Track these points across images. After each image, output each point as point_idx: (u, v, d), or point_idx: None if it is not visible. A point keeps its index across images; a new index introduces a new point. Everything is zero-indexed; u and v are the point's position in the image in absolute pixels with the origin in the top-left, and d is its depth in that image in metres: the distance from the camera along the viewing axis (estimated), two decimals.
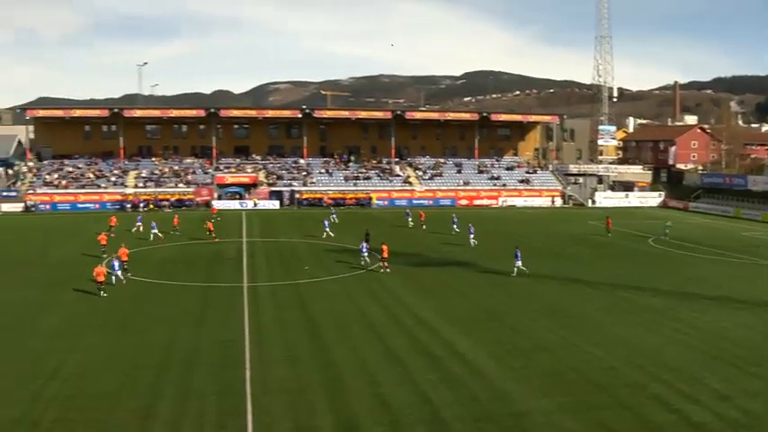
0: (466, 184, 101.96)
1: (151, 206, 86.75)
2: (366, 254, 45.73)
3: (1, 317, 31.27)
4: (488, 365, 24.78)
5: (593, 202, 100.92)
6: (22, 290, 37.45)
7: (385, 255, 43.36)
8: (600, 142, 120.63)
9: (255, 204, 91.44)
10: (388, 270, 42.79)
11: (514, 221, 77.03)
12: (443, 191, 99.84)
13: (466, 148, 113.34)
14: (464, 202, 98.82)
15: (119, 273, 39.41)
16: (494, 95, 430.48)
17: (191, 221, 67.95)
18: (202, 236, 57.97)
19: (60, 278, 40.17)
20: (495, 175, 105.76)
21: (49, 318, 31.35)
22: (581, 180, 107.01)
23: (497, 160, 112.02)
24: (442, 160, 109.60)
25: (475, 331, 29.31)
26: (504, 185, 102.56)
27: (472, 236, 56.12)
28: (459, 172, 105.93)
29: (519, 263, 42.31)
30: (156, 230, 57.92)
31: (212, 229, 58.77)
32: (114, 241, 50.90)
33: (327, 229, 60.19)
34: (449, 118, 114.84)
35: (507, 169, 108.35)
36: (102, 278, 36.41)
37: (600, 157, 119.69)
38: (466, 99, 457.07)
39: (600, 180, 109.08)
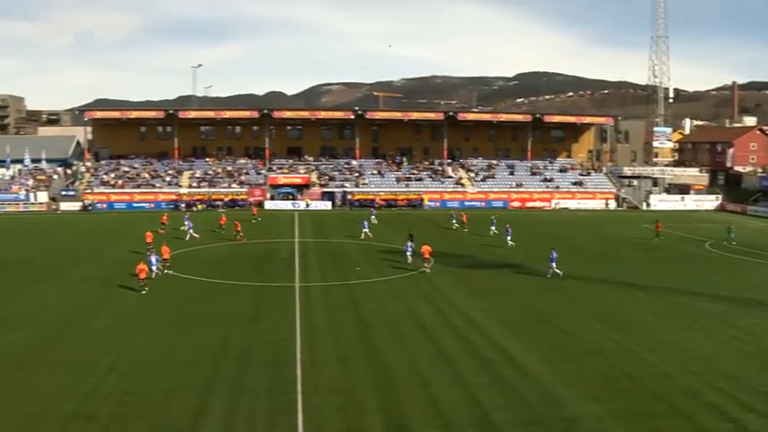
0: (518, 185, 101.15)
1: (198, 206, 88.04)
2: (410, 252, 46.89)
3: (59, 313, 32.19)
4: (539, 369, 24.57)
5: (648, 205, 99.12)
6: (79, 287, 38.46)
7: (426, 255, 43.92)
8: (655, 144, 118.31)
9: (308, 205, 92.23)
10: (428, 270, 43.28)
11: (567, 224, 76.15)
12: (495, 193, 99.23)
13: (518, 149, 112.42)
14: (516, 204, 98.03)
15: (154, 267, 40.52)
16: (547, 97, 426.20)
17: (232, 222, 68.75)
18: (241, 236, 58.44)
19: (116, 275, 41.06)
20: (547, 177, 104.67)
21: (106, 314, 32.13)
22: (635, 182, 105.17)
23: (550, 162, 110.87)
24: (494, 162, 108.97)
25: (525, 334, 29.10)
26: (557, 188, 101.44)
27: (509, 237, 56.19)
28: (511, 174, 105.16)
29: (554, 264, 42.34)
30: (191, 230, 58.74)
31: (239, 229, 58.98)
32: (163, 239, 51.97)
33: (366, 230, 60.75)
34: (501, 119, 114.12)
35: (560, 171, 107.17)
36: (143, 275, 37.42)
37: (655, 159, 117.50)
38: (518, 100, 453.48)
39: (655, 183, 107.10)
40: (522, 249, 53.80)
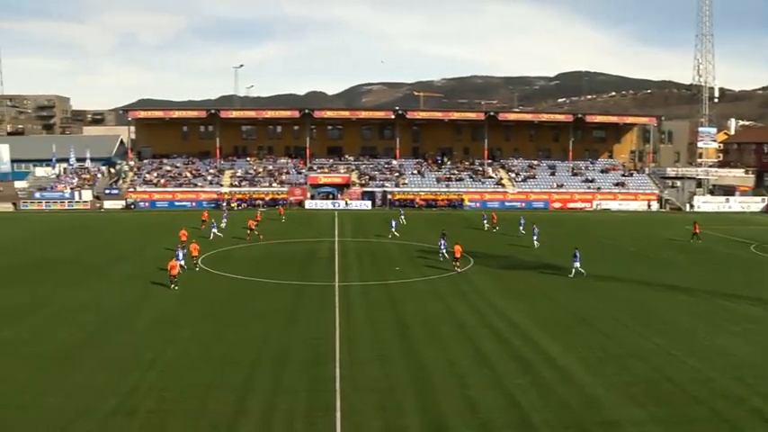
0: (559, 186, 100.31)
1: (233, 205, 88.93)
2: (444, 250, 48.07)
3: (103, 311, 32.72)
4: (579, 371, 24.34)
5: (692, 206, 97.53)
6: (122, 285, 39.09)
7: (457, 255, 44.24)
8: (699, 144, 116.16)
9: (347, 204, 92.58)
10: (458, 270, 43.67)
11: (608, 225, 75.35)
12: (536, 193, 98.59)
13: (560, 149, 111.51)
14: (557, 204, 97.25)
15: (182, 262, 41.52)
16: (588, 96, 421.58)
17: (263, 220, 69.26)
18: (275, 235, 58.66)
19: (157, 274, 41.58)
20: (589, 177, 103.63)
21: (147, 312, 32.60)
22: (679, 184, 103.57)
23: (592, 162, 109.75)
24: (535, 162, 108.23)
25: (565, 335, 28.85)
26: (599, 188, 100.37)
27: (535, 237, 56.35)
28: (552, 174, 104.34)
29: (577, 264, 42.33)
30: (215, 230, 59.24)
31: (253, 227, 59.24)
32: (195, 237, 52.65)
33: (393, 229, 61.56)
34: (542, 119, 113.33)
35: (602, 172, 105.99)
36: (175, 272, 38.02)
37: (699, 160, 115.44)
38: (560, 100, 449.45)
39: (699, 184, 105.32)
40: (561, 250, 53.33)
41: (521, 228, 63.63)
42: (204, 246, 53.65)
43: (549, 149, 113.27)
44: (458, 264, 44.13)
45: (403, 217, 72.72)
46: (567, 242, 56.65)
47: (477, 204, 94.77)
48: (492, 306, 34.42)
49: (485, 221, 69.12)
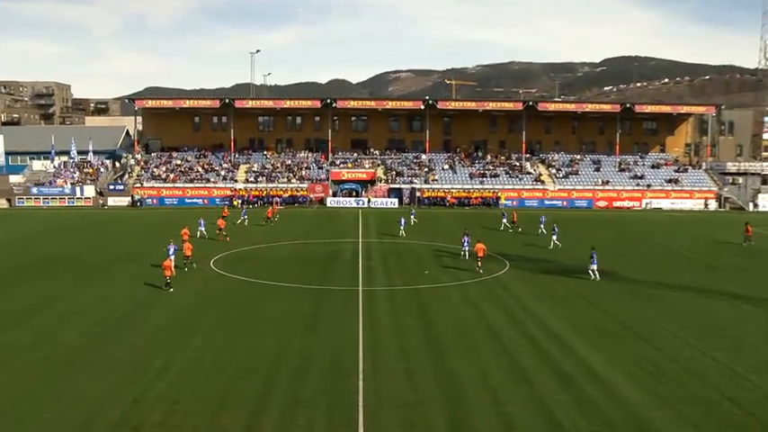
0: (605, 183, 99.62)
1: (235, 203, 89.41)
2: (467, 248, 49.45)
3: (107, 314, 33.07)
4: (627, 388, 24.00)
5: (756, 205, 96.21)
6: (128, 286, 39.53)
7: (480, 254, 45.14)
8: (765, 136, 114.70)
9: (369, 203, 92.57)
10: (481, 270, 44.51)
11: (659, 226, 74.72)
12: (579, 191, 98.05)
13: (605, 143, 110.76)
14: (602, 203, 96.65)
15: (172, 256, 43.06)
16: (638, 84, 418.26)
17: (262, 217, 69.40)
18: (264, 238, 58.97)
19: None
20: (638, 173, 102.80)
21: (155, 316, 32.90)
22: (740, 180, 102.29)
23: (641, 157, 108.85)
24: (578, 157, 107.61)
25: (610, 347, 28.52)
26: (649, 186, 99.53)
27: (555, 237, 56.81)
28: (597, 170, 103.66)
29: (594, 266, 42.87)
30: (203, 228, 59.98)
31: (222, 226, 59.81)
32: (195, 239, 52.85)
33: (403, 228, 62.71)
34: (587, 110, 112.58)
35: (653, 167, 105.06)
36: (169, 272, 38.63)
37: (765, 154, 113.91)
38: (606, 88, 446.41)
39: (764, 180, 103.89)
40: (606, 253, 52.97)
41: (541, 226, 63.80)
42: (217, 247, 54.05)
43: (594, 143, 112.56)
44: (480, 264, 44.97)
45: (414, 215, 73.82)
46: (612, 245, 56.21)
47: (514, 203, 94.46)
48: (529, 313, 34.24)
49: (504, 220, 69.29)
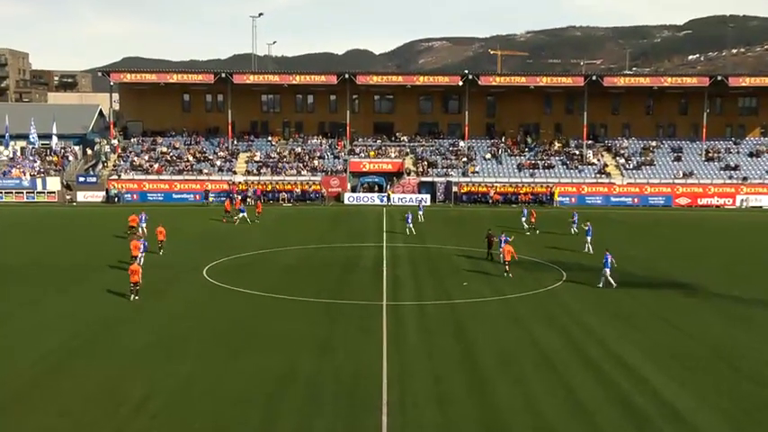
0: (687, 176, 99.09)
1: (209, 198, 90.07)
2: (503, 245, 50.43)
3: (72, 335, 33.15)
4: (716, 429, 23.86)
5: None
6: (99, 300, 39.81)
7: (508, 257, 47.02)
8: None
9: (389, 199, 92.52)
10: (510, 275, 46.32)
11: (758, 229, 74.22)
12: (654, 185, 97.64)
13: (689, 125, 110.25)
14: (683, 200, 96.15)
15: (143, 254, 47.35)
16: (733, 51, 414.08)
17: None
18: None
19: (147, 285, 42.13)
20: (731, 163, 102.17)
21: (134, 335, 33.05)
22: None
23: (736, 143, 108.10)
24: (653, 143, 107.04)
25: (696, 379, 28.26)
26: (746, 179, 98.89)
27: (589, 238, 57.35)
28: (677, 159, 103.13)
29: (608, 270, 43.90)
30: (144, 225, 61.74)
31: (134, 225, 61.62)
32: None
33: (410, 225, 65.11)
34: (666, 84, 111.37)
35: (750, 156, 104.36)
36: (136, 278, 39.28)
37: None
38: (691, 57, 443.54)
39: None
40: (689, 262, 52.79)
41: (574, 226, 63.75)
42: (210, 252, 54.38)
43: (674, 125, 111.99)
44: (508, 269, 46.92)
45: (422, 213, 75.16)
46: (697, 253, 55.82)
47: (573, 200, 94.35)
48: (590, 334, 34.14)
49: (523, 219, 69.67)
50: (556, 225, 69.67)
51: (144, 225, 62.29)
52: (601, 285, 43.91)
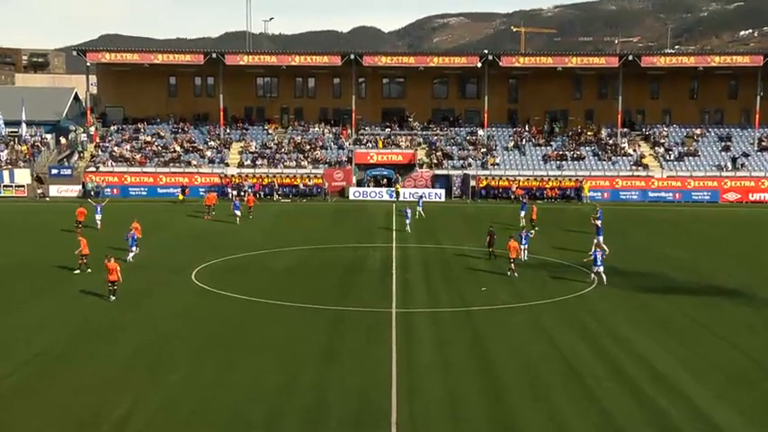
0: (738, 168, 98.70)
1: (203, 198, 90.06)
2: (525, 245, 53.23)
3: (46, 346, 33.22)
4: None
5: None
6: (75, 307, 39.96)
7: (513, 255, 48.27)
8: None
9: (397, 194, 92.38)
10: (516, 274, 47.52)
11: None
12: (698, 179, 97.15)
13: (739, 111, 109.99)
14: (732, 196, 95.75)
15: (134, 250, 50.59)
16: None
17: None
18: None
19: (131, 290, 42.45)
20: None
21: (116, 346, 33.15)
22: None
23: None
24: (697, 131, 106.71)
25: (745, 397, 28.13)
26: None
27: (600, 237, 56.73)
28: (725, 149, 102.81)
29: (600, 268, 45.70)
30: (99, 216, 63.54)
31: (81, 219, 62.47)
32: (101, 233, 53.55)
33: (409, 222, 65.79)
34: (713, 64, 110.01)
35: None
36: (114, 276, 40.06)
37: None
38: (742, 33, 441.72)
39: None
40: (739, 266, 52.74)
41: (598, 221, 63.49)
42: (200, 252, 54.55)
43: (722, 111, 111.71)
44: (513, 266, 48.19)
45: (421, 208, 75.29)
46: (746, 255, 55.73)
47: (605, 195, 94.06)
48: (625, 346, 34.14)
49: (522, 215, 69.65)
50: (586, 223, 69.48)
51: (99, 217, 64.04)
52: (589, 282, 45.93)
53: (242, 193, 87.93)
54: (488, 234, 55.11)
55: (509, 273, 47.89)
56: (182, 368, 30.29)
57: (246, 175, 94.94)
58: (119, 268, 40.81)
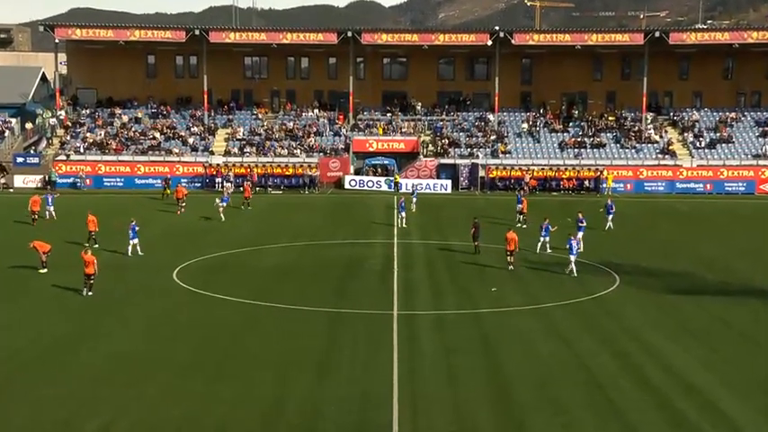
0: None
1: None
2: (546, 238, 54.62)
3: (11, 354, 33.20)
4: None
5: None
6: (44, 311, 39.90)
7: (511, 247, 49.50)
8: None
9: (397, 185, 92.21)
10: (512, 267, 49.26)
11: None
12: (732, 168, 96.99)
13: None
14: None
15: (133, 241, 52.70)
16: None
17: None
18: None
19: (102, 290, 42.48)
20: None
21: (89, 353, 33.16)
22: None
23: None
24: (731, 115, 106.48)
25: None
26: None
27: (581, 233, 56.57)
28: (763, 135, 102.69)
29: (572, 257, 47.99)
30: (51, 208, 65.49)
31: (36, 210, 63.84)
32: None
33: (404, 215, 66.00)
34: (749, 41, 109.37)
35: None
36: (91, 269, 40.98)
37: None
38: None
39: None
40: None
41: (609, 218, 63.48)
42: (183, 250, 54.60)
43: (760, 93, 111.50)
44: (511, 260, 49.78)
45: (416, 200, 75.82)
46: None
47: (628, 187, 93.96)
48: (651, 353, 34.11)
49: (519, 207, 68.94)
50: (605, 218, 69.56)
51: (52, 208, 65.61)
52: (568, 272, 48.10)
53: (227, 184, 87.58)
54: (473, 226, 56.10)
55: (511, 266, 49.44)
56: (163, 378, 30.24)
57: (246, 165, 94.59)
58: (95, 261, 41.43)
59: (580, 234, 55.90)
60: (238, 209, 73.23)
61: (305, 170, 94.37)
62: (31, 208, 64.24)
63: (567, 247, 48.37)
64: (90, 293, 40.87)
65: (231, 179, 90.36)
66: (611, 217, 64.49)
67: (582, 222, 57.49)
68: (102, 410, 26.88)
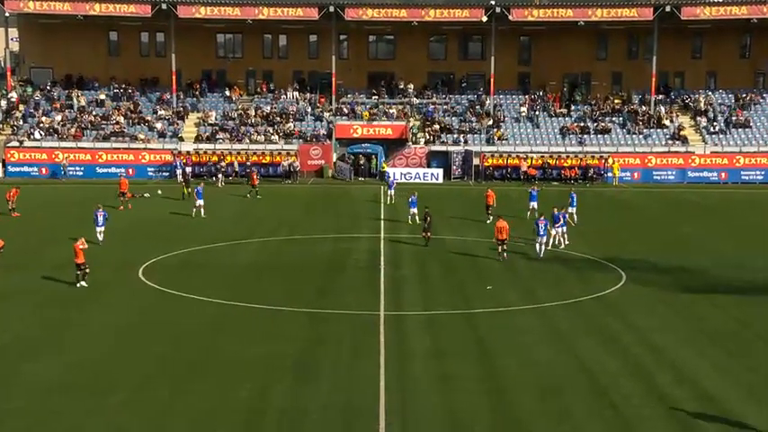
0: None
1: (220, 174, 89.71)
2: (543, 234, 52.88)
3: None
4: None
5: None
6: (12, 307, 40.02)
7: (503, 236, 50.78)
8: None
9: (387, 177, 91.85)
10: (505, 256, 50.90)
11: None
12: (749, 155, 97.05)
13: None
14: None
15: (100, 228, 53.83)
16: None
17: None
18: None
19: (67, 291, 42.65)
20: None
21: (48, 360, 32.98)
22: None
23: None
24: (747, 97, 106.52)
25: None
26: None
27: (564, 227, 56.93)
28: None
29: (542, 238, 51.14)
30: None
31: (12, 198, 65.80)
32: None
33: (415, 210, 65.05)
34: None
35: None
36: (81, 259, 41.86)
37: None
38: None
39: None
40: None
41: (573, 210, 63.38)
42: (149, 246, 54.56)
43: None
44: (503, 250, 51.13)
45: (393, 192, 76.81)
46: None
47: (636, 175, 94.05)
48: (662, 358, 34.13)
49: (489, 207, 67.37)
50: (613, 209, 69.69)
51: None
52: (537, 255, 51.30)
53: (219, 175, 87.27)
54: (425, 216, 57.28)
55: (504, 256, 50.98)
56: (126, 388, 30.09)
57: (219, 153, 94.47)
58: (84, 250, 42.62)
59: (562, 229, 56.47)
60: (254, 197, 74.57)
61: (283, 158, 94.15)
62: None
63: (534, 228, 50.77)
64: (85, 285, 42.22)
65: (224, 168, 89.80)
66: (573, 210, 64.12)
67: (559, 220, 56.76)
68: (57, 426, 26.73)
